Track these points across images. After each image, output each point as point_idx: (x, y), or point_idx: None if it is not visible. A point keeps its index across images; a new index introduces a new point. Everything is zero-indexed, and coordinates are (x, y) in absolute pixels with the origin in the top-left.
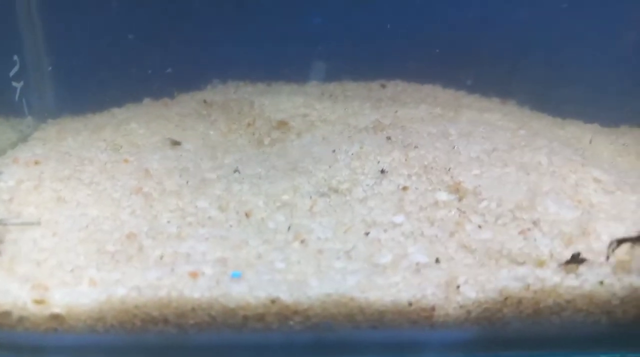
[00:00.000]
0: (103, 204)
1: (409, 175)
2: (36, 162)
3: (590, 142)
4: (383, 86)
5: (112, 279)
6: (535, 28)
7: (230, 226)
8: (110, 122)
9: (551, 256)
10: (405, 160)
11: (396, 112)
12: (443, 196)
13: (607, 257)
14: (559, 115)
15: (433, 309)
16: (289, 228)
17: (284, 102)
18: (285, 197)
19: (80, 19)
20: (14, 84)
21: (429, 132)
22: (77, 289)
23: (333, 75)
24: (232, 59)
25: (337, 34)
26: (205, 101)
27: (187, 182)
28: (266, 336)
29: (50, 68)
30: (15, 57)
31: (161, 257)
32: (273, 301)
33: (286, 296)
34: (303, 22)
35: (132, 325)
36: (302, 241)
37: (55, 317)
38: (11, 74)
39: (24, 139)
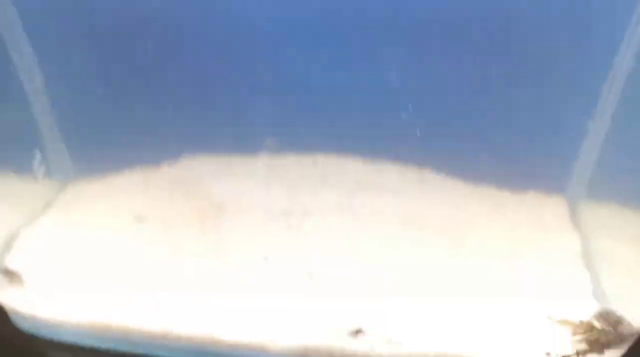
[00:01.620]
0: None
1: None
2: None
3: None
4: (314, 162)
5: None
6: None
7: None
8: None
9: None
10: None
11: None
12: None
13: None
14: (475, 179)
15: None
16: None
17: (228, 182)
18: None
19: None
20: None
21: None
22: None
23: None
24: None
25: (289, 104)
26: (170, 179)
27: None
28: None
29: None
30: None
31: None
32: None
33: None
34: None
35: None
36: None
37: None
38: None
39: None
